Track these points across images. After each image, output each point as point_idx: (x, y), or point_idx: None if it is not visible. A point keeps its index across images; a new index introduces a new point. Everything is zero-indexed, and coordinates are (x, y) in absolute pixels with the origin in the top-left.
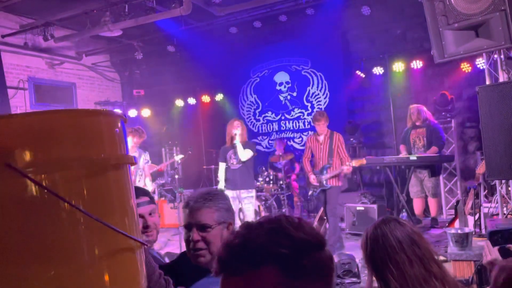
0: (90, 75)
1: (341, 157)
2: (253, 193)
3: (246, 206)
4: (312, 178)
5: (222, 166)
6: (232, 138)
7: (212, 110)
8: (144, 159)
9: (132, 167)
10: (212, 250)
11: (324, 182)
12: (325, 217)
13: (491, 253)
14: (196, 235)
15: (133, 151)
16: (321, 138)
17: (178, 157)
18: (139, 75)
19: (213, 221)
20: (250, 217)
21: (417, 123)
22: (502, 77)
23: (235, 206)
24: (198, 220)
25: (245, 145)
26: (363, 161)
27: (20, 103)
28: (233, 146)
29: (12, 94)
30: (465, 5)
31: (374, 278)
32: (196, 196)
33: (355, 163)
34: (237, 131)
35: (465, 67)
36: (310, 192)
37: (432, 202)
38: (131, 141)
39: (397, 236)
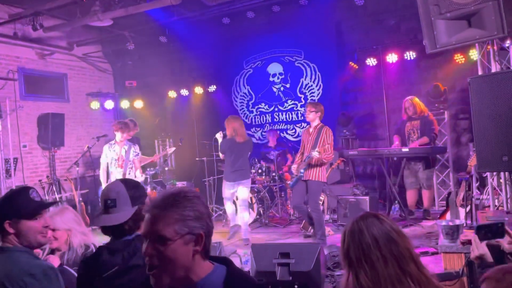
0: (82, 66)
1: (325, 150)
2: (249, 181)
3: (241, 189)
4: (293, 167)
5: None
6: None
7: (205, 102)
8: (133, 152)
9: (121, 161)
10: (171, 271)
11: (301, 171)
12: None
13: (479, 248)
14: (150, 249)
15: (122, 145)
16: (311, 130)
17: (170, 150)
18: (131, 66)
19: (173, 233)
20: (243, 197)
21: (413, 116)
22: (494, 68)
23: (230, 193)
24: (154, 229)
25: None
26: (326, 147)
27: (10, 94)
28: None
29: (1, 85)
30: None
31: (350, 275)
32: (158, 200)
33: (320, 149)
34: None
35: (459, 58)
36: (288, 181)
37: (425, 194)
38: (120, 136)
39: (373, 233)
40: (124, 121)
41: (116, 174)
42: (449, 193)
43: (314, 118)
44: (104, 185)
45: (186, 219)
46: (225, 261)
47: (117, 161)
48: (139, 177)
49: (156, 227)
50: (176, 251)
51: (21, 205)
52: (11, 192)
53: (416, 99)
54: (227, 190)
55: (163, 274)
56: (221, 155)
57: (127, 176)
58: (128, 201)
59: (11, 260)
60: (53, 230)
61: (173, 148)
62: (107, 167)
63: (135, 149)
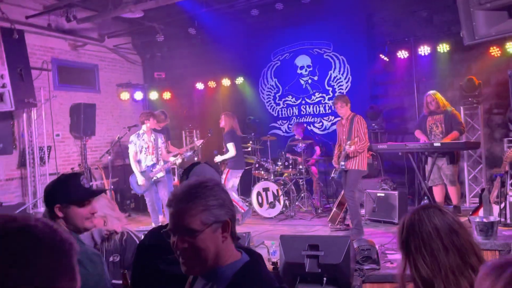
0: (112, 57)
1: (355, 142)
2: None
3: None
4: (333, 160)
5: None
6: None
7: (232, 94)
8: (160, 140)
9: (151, 149)
10: (203, 259)
11: (341, 163)
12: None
13: None
14: (180, 243)
15: (149, 134)
16: (343, 121)
17: (198, 142)
18: (160, 58)
19: (200, 224)
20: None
21: (435, 110)
22: None
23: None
24: (181, 224)
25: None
26: (355, 140)
27: (44, 84)
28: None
29: (36, 75)
30: None
31: (407, 265)
32: (179, 193)
33: (351, 142)
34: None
35: (494, 51)
36: (332, 175)
37: (451, 190)
38: (148, 125)
39: (435, 223)
40: (150, 111)
41: (148, 161)
42: (482, 190)
43: (345, 111)
44: (138, 173)
45: (210, 208)
46: (252, 255)
47: (148, 149)
48: (178, 160)
49: (183, 221)
50: (206, 240)
51: (71, 190)
52: (63, 176)
53: (438, 94)
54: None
55: (196, 263)
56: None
57: (152, 161)
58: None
59: None
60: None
61: (201, 141)
62: (136, 156)
63: (161, 138)
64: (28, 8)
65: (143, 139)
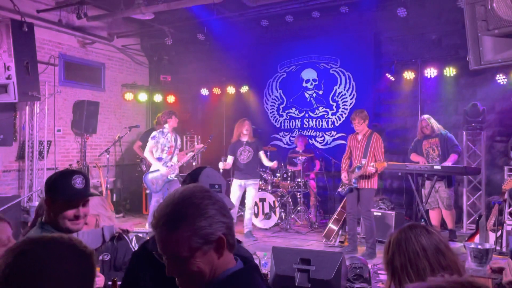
0: (120, 57)
1: (376, 159)
2: (258, 180)
3: (249, 188)
4: (343, 175)
5: (230, 159)
6: (241, 135)
7: (236, 102)
8: (180, 141)
9: (172, 148)
10: (199, 281)
11: (353, 181)
12: (339, 218)
13: None
14: (170, 268)
15: (172, 134)
16: (359, 137)
17: (199, 147)
18: (167, 61)
19: (188, 251)
20: (251, 196)
21: (430, 134)
22: None
23: (239, 193)
24: (168, 251)
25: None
26: (384, 163)
27: (50, 78)
28: (242, 143)
29: (43, 69)
30: (508, 11)
31: (392, 284)
32: (162, 214)
33: (377, 165)
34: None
35: (500, 78)
36: (339, 189)
37: (447, 214)
38: (169, 125)
39: (422, 242)
40: (171, 110)
41: (167, 160)
42: (480, 216)
43: (363, 127)
44: (159, 164)
45: (198, 231)
46: (246, 263)
47: (170, 149)
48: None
49: (169, 249)
50: (197, 264)
51: (59, 188)
52: (60, 172)
53: (432, 119)
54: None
55: (192, 285)
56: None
57: (173, 161)
58: (225, 187)
59: None
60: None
61: (202, 145)
62: (152, 151)
63: (179, 139)
64: (39, 3)
65: (167, 138)
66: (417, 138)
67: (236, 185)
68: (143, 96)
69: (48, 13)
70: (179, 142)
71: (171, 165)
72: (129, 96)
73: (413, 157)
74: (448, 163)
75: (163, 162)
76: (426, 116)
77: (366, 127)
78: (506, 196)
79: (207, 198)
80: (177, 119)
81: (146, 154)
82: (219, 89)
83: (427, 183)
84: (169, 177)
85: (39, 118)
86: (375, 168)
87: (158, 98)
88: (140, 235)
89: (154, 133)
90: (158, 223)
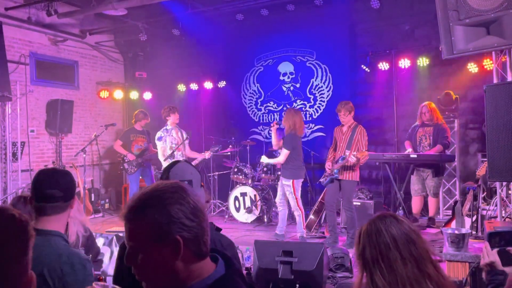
0: (93, 54)
1: (363, 156)
2: (289, 182)
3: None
4: (327, 164)
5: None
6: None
7: (214, 97)
8: (186, 136)
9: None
10: (153, 280)
11: (335, 171)
12: (320, 210)
13: (489, 255)
14: (127, 257)
15: (176, 130)
16: (344, 129)
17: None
18: (142, 57)
19: (142, 244)
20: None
21: (427, 122)
22: (510, 77)
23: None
24: (127, 240)
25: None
26: (365, 153)
27: (21, 78)
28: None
29: (13, 69)
30: (478, 1)
31: (364, 276)
32: (130, 207)
33: (358, 154)
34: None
35: (472, 67)
36: (321, 179)
37: (432, 202)
38: (172, 120)
39: (392, 233)
40: (171, 106)
41: (178, 157)
42: (455, 202)
43: (348, 119)
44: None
45: (155, 225)
46: (229, 268)
47: (178, 145)
48: (207, 154)
49: (127, 238)
50: (150, 261)
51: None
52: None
53: (433, 105)
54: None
55: (147, 283)
56: (286, 152)
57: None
58: (199, 181)
59: (50, 244)
60: None
61: (209, 152)
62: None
63: (185, 133)
64: (7, 0)
65: (172, 135)
66: (416, 123)
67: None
68: (118, 94)
69: (16, 10)
70: (185, 135)
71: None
72: (104, 94)
73: (406, 144)
74: (430, 152)
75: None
76: (427, 102)
77: (352, 119)
78: (480, 182)
79: (177, 197)
80: (177, 115)
81: (161, 158)
82: (196, 85)
83: (416, 172)
84: None
85: (11, 118)
86: (356, 158)
87: (134, 95)
88: (121, 234)
89: (159, 133)
90: (124, 213)
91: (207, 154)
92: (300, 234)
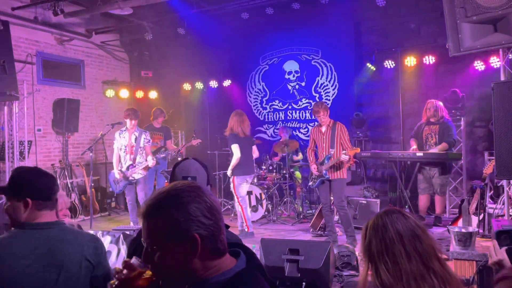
0: (99, 54)
1: (344, 148)
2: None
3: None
4: (313, 167)
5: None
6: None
7: (219, 96)
8: (144, 139)
9: (129, 148)
10: (169, 278)
11: (324, 172)
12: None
13: (497, 254)
14: (145, 256)
15: (131, 132)
16: (323, 128)
17: (184, 142)
18: (148, 57)
19: (160, 241)
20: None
21: (432, 120)
22: None
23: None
24: (145, 239)
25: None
26: (357, 149)
27: (28, 77)
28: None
29: (20, 68)
30: None
31: (368, 270)
32: (147, 205)
33: (349, 152)
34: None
35: (479, 65)
36: (310, 183)
37: (438, 200)
38: (129, 123)
39: (398, 228)
40: (133, 108)
41: (127, 161)
42: (462, 200)
43: (327, 119)
44: (116, 170)
45: (173, 223)
46: (249, 262)
47: (126, 148)
48: (150, 162)
49: (145, 235)
50: (168, 259)
51: None
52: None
53: (440, 103)
54: (246, 185)
55: (165, 281)
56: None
57: (138, 161)
58: (205, 179)
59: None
60: None
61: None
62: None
63: (146, 136)
64: (14, 0)
65: (124, 137)
66: (421, 121)
67: None
68: (124, 93)
69: (23, 10)
70: (144, 141)
71: (131, 171)
72: (110, 93)
73: (411, 141)
74: (434, 150)
75: (120, 165)
76: (433, 100)
77: (329, 118)
78: (487, 180)
79: (194, 196)
80: (137, 118)
81: (113, 156)
82: (202, 84)
83: (422, 170)
84: (133, 177)
85: (18, 118)
86: (348, 156)
87: (140, 94)
88: (128, 232)
89: (115, 134)
90: (142, 211)
91: (150, 162)
92: (240, 228)
